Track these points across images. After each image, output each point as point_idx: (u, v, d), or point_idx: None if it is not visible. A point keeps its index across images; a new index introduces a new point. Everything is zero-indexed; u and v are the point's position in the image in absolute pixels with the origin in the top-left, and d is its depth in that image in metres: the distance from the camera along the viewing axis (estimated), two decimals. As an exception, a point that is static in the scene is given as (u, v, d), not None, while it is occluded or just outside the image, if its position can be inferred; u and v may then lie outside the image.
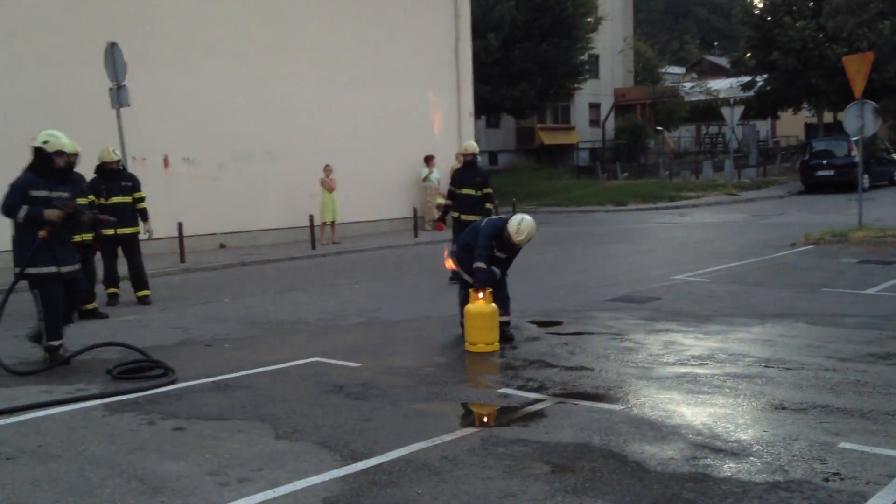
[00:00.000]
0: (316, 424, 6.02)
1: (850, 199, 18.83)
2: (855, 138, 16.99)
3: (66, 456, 5.39)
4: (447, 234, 20.61)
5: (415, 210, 20.23)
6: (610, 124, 49.15)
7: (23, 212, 7.72)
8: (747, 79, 43.25)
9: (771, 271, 13.10)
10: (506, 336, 8.65)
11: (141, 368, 7.45)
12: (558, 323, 9.65)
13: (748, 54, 42.31)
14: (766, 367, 7.37)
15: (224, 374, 7.49)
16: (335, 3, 20.26)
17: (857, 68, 16.35)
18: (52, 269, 7.88)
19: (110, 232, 11.28)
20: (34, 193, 7.79)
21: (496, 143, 48.98)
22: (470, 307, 8.36)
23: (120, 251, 11.65)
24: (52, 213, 7.81)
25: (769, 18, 39.58)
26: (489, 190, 12.81)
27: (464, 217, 12.48)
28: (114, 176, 11.48)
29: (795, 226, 19.04)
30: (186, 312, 10.93)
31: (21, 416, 6.26)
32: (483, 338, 8.24)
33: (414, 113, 21.38)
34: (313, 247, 17.52)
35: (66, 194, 8.03)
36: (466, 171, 12.93)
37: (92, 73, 15.03)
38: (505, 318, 8.83)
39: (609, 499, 4.65)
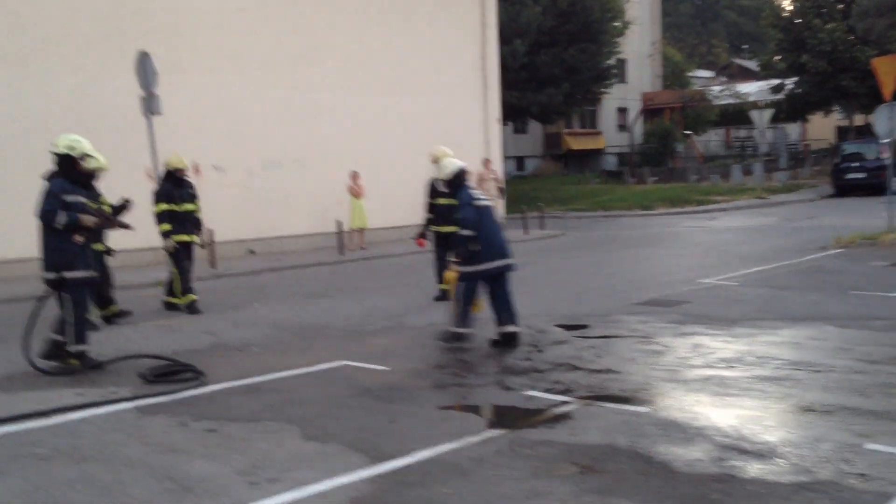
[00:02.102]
0: (344, 426, 6.09)
1: (881, 203, 18.61)
2: (885, 140, 16.82)
3: (99, 457, 5.51)
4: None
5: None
6: (638, 129, 48.97)
7: (63, 217, 7.82)
8: (777, 82, 42.91)
9: (800, 275, 13.02)
10: (510, 343, 8.78)
11: (172, 371, 7.56)
12: (585, 326, 9.66)
13: (777, 57, 41.96)
14: (794, 369, 7.35)
15: (254, 378, 7.59)
16: (362, 13, 20.44)
17: (887, 70, 16.21)
18: (89, 273, 8.05)
19: (186, 238, 11.45)
20: (68, 199, 7.91)
21: (523, 149, 49.02)
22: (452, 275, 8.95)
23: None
24: (89, 220, 7.98)
25: (798, 21, 39.28)
26: None
27: (442, 229, 11.58)
28: (183, 183, 11.62)
29: (826, 229, 18.87)
30: (216, 318, 11.07)
31: (55, 419, 6.39)
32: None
33: (441, 119, 21.45)
34: (341, 252, 17.66)
35: (86, 200, 8.15)
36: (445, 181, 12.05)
37: (123, 82, 15.28)
38: (510, 329, 8.85)
39: (635, 499, 4.68)
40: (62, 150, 8.06)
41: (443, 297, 11.48)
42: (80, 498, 4.81)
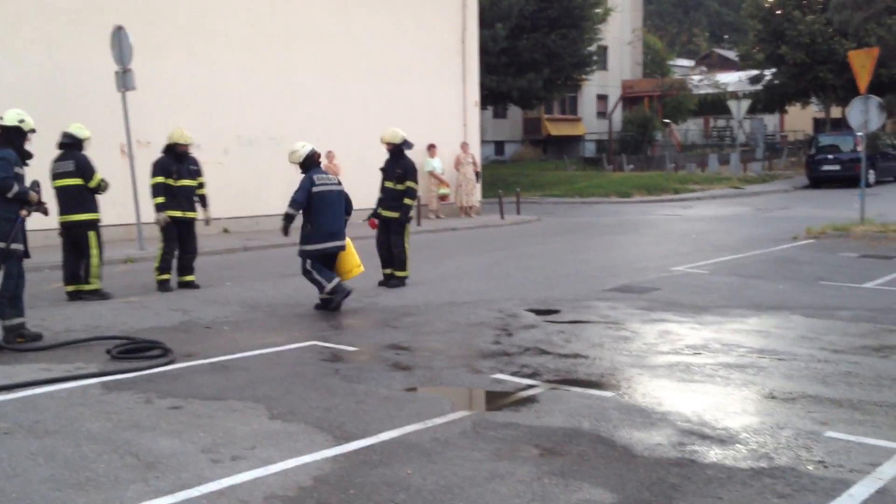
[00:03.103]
0: (310, 406, 6.10)
1: (855, 195, 18.79)
2: (859, 133, 16.98)
3: (63, 432, 5.49)
4: (445, 223, 20.78)
5: (418, 198, 20.30)
6: (618, 116, 49.09)
7: (16, 188, 7.85)
8: (755, 73, 43.10)
9: (770, 264, 13.15)
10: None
11: (140, 349, 7.53)
12: (556, 311, 9.71)
13: (756, 48, 42.13)
14: (758, 357, 7.43)
15: (222, 356, 7.58)
16: (342, -6, 20.31)
17: (863, 63, 16.34)
18: (22, 247, 8.05)
19: (178, 214, 11.30)
20: (17, 171, 7.97)
21: (503, 134, 49.00)
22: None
23: None
24: (33, 197, 8.07)
25: (778, 12, 39.44)
26: (411, 184, 11.47)
27: (382, 212, 11.58)
28: (184, 159, 11.49)
29: (798, 220, 19.05)
30: (188, 295, 11.02)
31: (20, 393, 6.36)
32: (350, 263, 10.05)
33: (419, 102, 21.39)
34: (316, 233, 17.59)
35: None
36: (389, 164, 11.62)
37: (98, 58, 15.12)
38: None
39: (594, 482, 4.72)
40: (13, 122, 8.12)
41: (385, 282, 11.55)
42: (42, 471, 4.79)
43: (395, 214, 11.39)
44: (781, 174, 36.48)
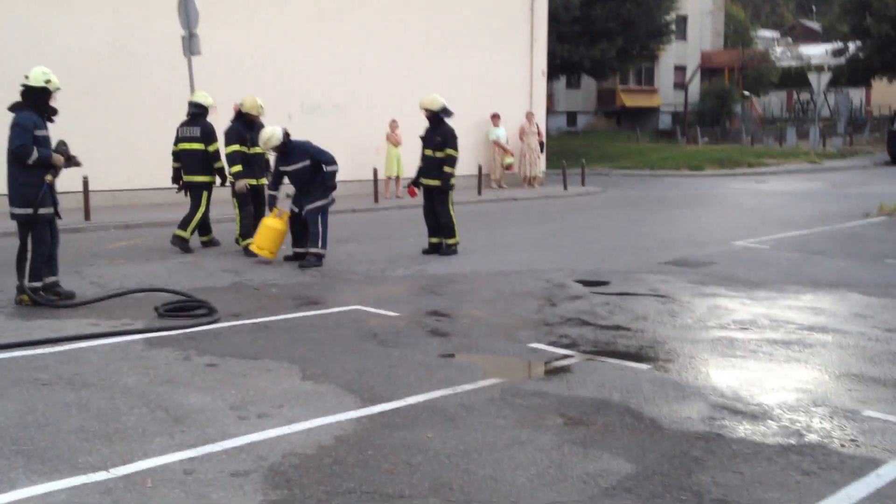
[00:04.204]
0: (344, 368, 6.16)
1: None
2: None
3: (99, 385, 5.66)
4: (507, 193, 20.62)
5: (479, 167, 20.23)
6: (697, 88, 47.93)
7: (35, 154, 7.66)
8: (839, 45, 41.49)
9: (836, 240, 12.73)
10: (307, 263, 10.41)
11: (187, 307, 7.71)
12: (605, 283, 9.59)
13: (841, 20, 40.51)
14: (807, 333, 7.23)
15: (266, 317, 7.70)
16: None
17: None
18: (52, 210, 8.00)
19: (253, 182, 11.45)
20: (38, 133, 7.76)
21: (576, 104, 48.38)
22: (268, 220, 10.61)
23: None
24: (58, 159, 7.86)
25: (865, -18, 37.83)
26: (452, 151, 11.22)
27: (422, 181, 11.43)
28: (255, 126, 11.54)
29: (874, 197, 18.31)
30: (241, 257, 11.18)
31: (64, 346, 6.58)
32: (268, 246, 10.49)
33: (484, 72, 21.19)
34: (376, 200, 17.70)
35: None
36: (428, 131, 11.42)
37: (164, 22, 15.39)
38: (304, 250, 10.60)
39: (615, 452, 4.67)
40: (39, 83, 7.79)
41: (432, 250, 11.43)
42: (73, 422, 4.96)
43: (436, 182, 11.28)
44: (862, 150, 35.20)
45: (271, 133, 10.53)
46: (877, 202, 16.80)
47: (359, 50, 19.26)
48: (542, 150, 22.51)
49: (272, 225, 10.59)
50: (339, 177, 18.29)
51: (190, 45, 14.20)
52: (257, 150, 11.33)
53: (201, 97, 11.75)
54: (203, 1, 14.84)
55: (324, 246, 10.63)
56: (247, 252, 11.15)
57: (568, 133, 44.67)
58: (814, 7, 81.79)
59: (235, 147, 11.21)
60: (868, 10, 36.36)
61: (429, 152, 11.31)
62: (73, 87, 15.34)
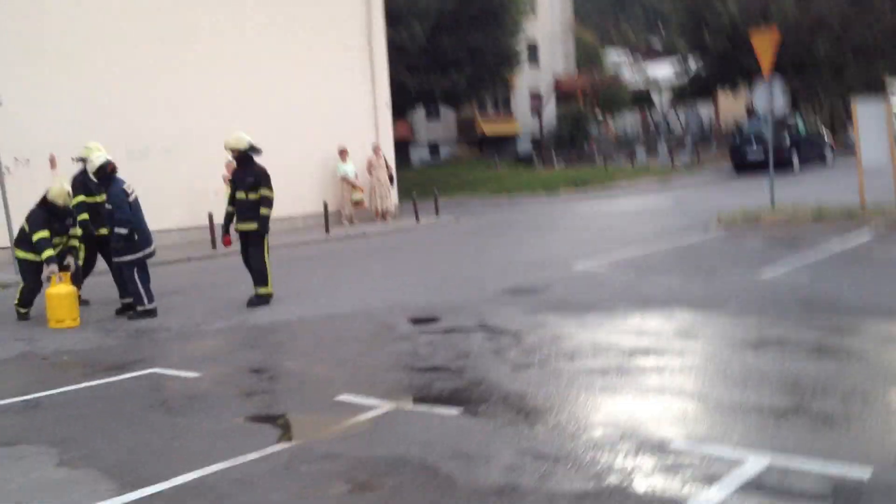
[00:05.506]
0: (114, 446, 5.46)
1: (779, 181, 18.48)
2: (766, 116, 16.72)
3: None
4: (357, 229, 20.08)
5: (325, 205, 19.61)
6: (553, 112, 48.79)
7: None
8: (680, 62, 42.99)
9: (673, 257, 12.71)
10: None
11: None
12: (435, 320, 9.15)
13: (679, 37, 41.98)
14: (627, 359, 6.93)
15: (46, 391, 6.88)
16: (236, -6, 19.52)
17: (765, 46, 16.06)
18: None
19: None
20: None
21: (437, 134, 48.42)
22: (50, 290, 9.91)
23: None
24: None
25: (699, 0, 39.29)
26: (265, 192, 10.46)
27: (238, 227, 10.64)
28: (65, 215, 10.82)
29: (716, 209, 18.67)
30: (38, 324, 10.15)
31: None
32: (69, 314, 9.88)
33: (326, 105, 20.68)
34: (213, 246, 16.78)
35: None
36: (238, 173, 10.73)
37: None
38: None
39: (396, 521, 4.17)
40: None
41: (258, 301, 10.62)
42: None
43: (252, 226, 10.57)
44: (711, 163, 36.40)
45: (93, 156, 10.47)
46: (717, 214, 17.06)
47: (187, 87, 18.35)
48: (392, 183, 22.12)
49: (56, 293, 9.96)
50: (173, 224, 17.39)
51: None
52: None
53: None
54: (11, 41, 13.75)
55: (150, 301, 10.24)
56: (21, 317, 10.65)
57: (431, 165, 44.54)
58: (660, 24, 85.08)
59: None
60: (705, 25, 37.68)
61: (241, 195, 10.53)
62: None
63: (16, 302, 10.73)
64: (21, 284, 10.76)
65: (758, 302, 8.95)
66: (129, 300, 10.34)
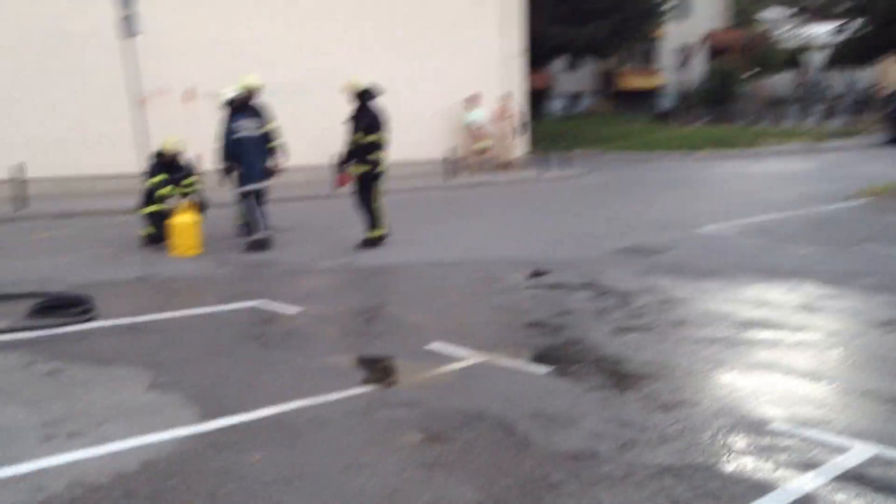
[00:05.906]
0: (203, 375, 5.53)
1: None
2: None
3: None
4: (479, 178, 19.81)
5: (447, 153, 19.46)
6: (699, 68, 46.80)
7: None
8: (838, 23, 40.16)
9: (809, 225, 11.93)
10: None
11: (63, 305, 7.06)
12: (543, 273, 8.88)
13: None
14: (740, 330, 6.50)
15: (151, 315, 7.07)
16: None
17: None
18: None
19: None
20: None
21: (575, 86, 47.36)
22: (175, 219, 10.14)
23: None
24: None
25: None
26: (379, 136, 10.47)
27: (352, 169, 10.58)
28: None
29: (865, 178, 17.46)
30: (163, 249, 10.45)
31: None
32: (190, 243, 10.08)
33: (455, 53, 20.33)
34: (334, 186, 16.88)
35: None
36: (355, 114, 10.49)
37: (103, 4, 14.64)
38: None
39: (463, 477, 4.04)
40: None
41: (367, 244, 10.55)
42: None
43: (365, 168, 10.51)
44: (866, 129, 34.10)
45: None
46: (865, 183, 15.95)
47: (320, 32, 18.49)
48: (522, 132, 21.73)
49: (179, 222, 10.17)
50: (300, 162, 17.53)
51: (129, 26, 13.50)
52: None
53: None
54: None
55: (258, 230, 10.49)
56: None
57: (566, 116, 43.64)
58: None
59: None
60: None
61: (356, 137, 10.46)
62: (11, 72, 14.80)
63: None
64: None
65: (894, 279, 8.25)
66: (258, 236, 10.47)
